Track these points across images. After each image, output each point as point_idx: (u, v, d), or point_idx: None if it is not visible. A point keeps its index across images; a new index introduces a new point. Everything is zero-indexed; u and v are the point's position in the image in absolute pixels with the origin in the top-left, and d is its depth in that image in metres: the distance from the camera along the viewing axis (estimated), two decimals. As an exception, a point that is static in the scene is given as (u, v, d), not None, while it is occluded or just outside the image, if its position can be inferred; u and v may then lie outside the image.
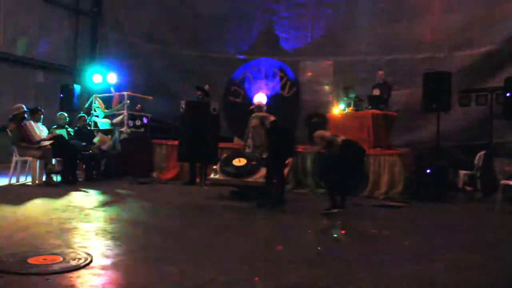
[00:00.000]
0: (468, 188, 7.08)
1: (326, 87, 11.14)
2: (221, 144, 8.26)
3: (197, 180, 7.86)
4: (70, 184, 7.31)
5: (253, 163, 6.33)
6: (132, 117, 9.43)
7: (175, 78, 11.81)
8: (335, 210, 5.18)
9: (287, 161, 6.17)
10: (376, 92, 8.48)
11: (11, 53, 10.75)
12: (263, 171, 6.17)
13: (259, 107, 7.24)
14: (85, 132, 8.64)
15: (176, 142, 8.39)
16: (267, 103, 8.05)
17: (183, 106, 7.79)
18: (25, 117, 7.34)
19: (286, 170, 6.16)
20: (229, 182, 6.44)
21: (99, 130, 9.11)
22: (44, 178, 7.29)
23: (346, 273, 3.05)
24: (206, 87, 8.22)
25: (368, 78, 9.50)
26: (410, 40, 10.14)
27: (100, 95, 9.71)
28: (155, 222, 4.73)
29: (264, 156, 5.96)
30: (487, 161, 7.10)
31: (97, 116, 9.55)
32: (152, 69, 11.88)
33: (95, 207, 5.40)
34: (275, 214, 5.34)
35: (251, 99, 7.86)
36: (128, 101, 9.36)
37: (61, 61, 11.97)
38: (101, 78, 10.24)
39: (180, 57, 11.95)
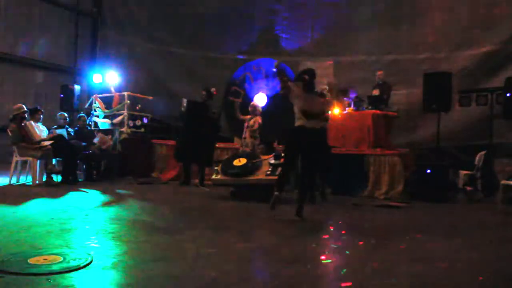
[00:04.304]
0: (469, 188, 7.08)
1: (326, 87, 11.12)
2: (221, 145, 8.25)
3: (196, 181, 7.82)
4: (70, 184, 7.32)
5: (254, 161, 6.35)
6: (132, 117, 9.44)
7: (175, 78, 11.81)
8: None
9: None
10: (376, 92, 8.48)
11: (11, 53, 10.76)
12: (264, 169, 6.19)
13: (253, 106, 7.28)
14: (85, 132, 8.63)
15: (177, 143, 8.39)
16: (267, 103, 8.03)
17: (184, 104, 7.74)
18: (25, 117, 7.34)
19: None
20: (231, 182, 6.46)
21: (99, 130, 9.10)
22: (44, 178, 7.30)
23: (346, 273, 3.05)
24: (213, 89, 8.16)
25: (368, 78, 9.50)
26: (410, 40, 10.14)
27: (100, 95, 9.71)
28: (155, 222, 4.72)
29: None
30: (487, 161, 7.10)
31: (97, 116, 9.55)
32: (152, 69, 11.89)
33: (95, 207, 5.40)
34: (275, 214, 5.33)
35: (251, 99, 7.84)
36: (128, 101, 9.37)
37: (61, 61, 11.97)
38: (101, 78, 10.23)
39: (180, 57, 11.96)
